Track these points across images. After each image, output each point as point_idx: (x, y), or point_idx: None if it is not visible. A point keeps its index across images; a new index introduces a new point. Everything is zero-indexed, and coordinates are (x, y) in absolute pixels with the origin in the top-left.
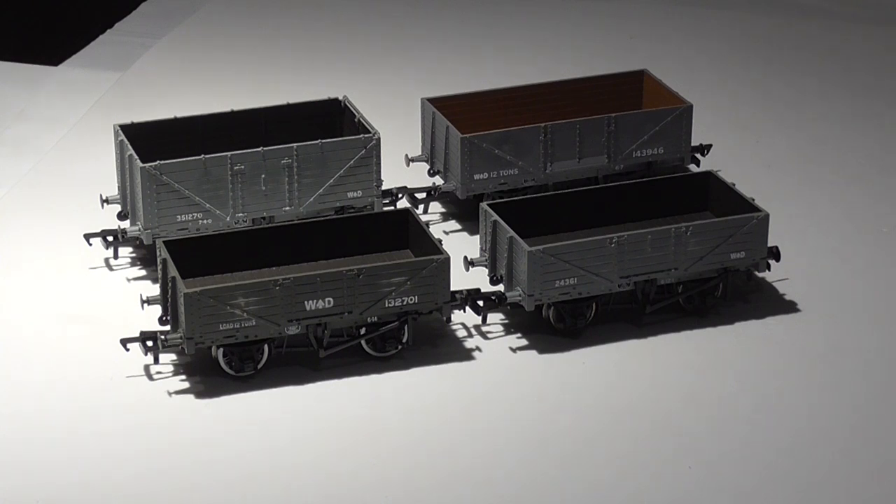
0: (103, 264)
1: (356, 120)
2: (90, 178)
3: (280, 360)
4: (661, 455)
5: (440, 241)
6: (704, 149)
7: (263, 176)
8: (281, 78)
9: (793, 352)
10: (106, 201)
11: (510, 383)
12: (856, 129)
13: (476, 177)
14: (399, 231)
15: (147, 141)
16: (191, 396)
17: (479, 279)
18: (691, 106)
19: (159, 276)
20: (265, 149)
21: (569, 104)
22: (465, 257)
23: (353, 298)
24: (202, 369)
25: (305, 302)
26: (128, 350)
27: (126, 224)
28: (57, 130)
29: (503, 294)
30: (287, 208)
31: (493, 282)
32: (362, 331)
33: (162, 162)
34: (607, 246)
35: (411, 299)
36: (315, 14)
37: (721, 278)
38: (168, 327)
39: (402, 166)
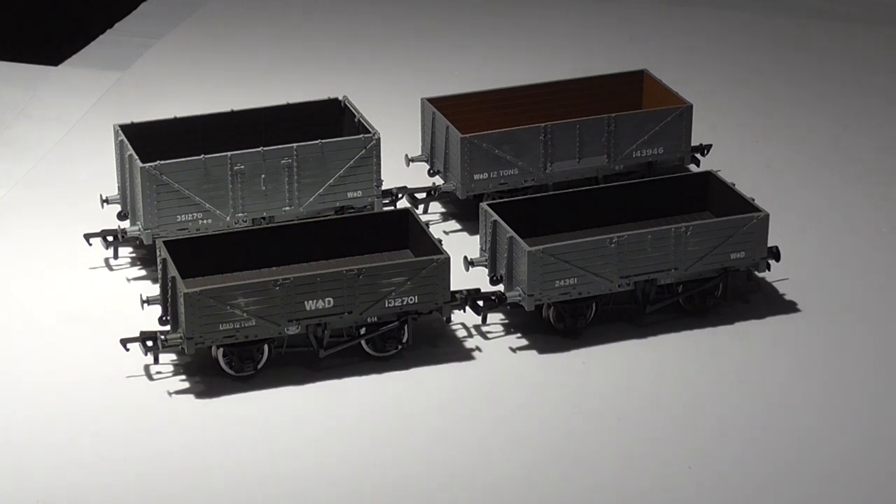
0: (103, 264)
1: (356, 120)
2: (90, 178)
3: (280, 360)
4: (661, 455)
5: (440, 241)
6: (704, 149)
7: (263, 176)
8: (281, 78)
9: (793, 352)
10: (106, 201)
11: (510, 383)
12: (856, 129)
13: (476, 177)
14: (399, 231)
15: (147, 141)
16: (191, 396)
17: (479, 279)
18: (691, 106)
19: (159, 276)
20: (265, 149)
21: (569, 104)
22: (465, 257)
23: (353, 298)
24: (202, 369)
25: (305, 302)
26: (128, 350)
27: (126, 224)
28: (57, 130)
29: (503, 294)
30: (287, 208)
31: (493, 282)
32: (362, 331)
33: (162, 162)
34: (607, 246)
35: (411, 299)
36: (315, 14)
37: (721, 278)
38: (168, 327)
39: (402, 166)
